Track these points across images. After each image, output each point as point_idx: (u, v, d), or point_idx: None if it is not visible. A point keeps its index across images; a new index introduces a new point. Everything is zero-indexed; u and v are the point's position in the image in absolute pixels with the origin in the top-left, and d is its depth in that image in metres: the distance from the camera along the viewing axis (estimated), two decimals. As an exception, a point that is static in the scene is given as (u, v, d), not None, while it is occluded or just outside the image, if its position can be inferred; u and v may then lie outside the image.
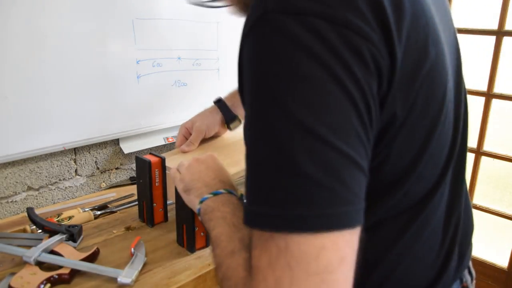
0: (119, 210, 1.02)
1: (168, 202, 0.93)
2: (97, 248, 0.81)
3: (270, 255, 0.36)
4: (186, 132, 1.01)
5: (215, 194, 0.61)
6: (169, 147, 1.34)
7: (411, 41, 0.41)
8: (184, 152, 0.98)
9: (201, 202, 0.61)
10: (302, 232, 0.35)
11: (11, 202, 1.02)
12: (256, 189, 0.38)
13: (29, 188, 1.05)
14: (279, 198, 0.36)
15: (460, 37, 0.58)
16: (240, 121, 1.03)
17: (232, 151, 0.97)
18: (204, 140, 1.03)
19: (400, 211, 0.48)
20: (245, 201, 0.40)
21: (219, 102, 1.01)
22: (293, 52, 0.36)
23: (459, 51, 0.57)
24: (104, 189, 1.19)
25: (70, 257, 0.77)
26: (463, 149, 0.56)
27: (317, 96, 0.36)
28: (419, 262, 0.52)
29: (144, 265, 0.77)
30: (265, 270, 0.36)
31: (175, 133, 1.32)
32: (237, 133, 1.15)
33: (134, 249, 0.80)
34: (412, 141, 0.45)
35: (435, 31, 0.45)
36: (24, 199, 1.04)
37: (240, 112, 1.02)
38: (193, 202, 0.65)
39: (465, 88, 0.57)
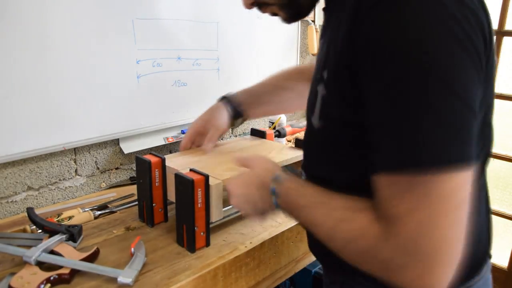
0: (119, 210, 1.02)
1: (168, 202, 0.93)
2: (97, 248, 0.81)
3: (409, 201, 0.44)
4: (196, 132, 1.01)
5: (273, 193, 0.62)
6: (169, 147, 1.34)
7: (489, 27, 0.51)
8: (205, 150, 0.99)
9: (276, 206, 0.62)
10: (442, 168, 0.43)
11: (11, 202, 1.02)
12: (404, 140, 0.45)
13: (29, 188, 1.05)
14: (424, 143, 0.43)
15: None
16: (243, 119, 1.02)
17: (232, 158, 0.97)
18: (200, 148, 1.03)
19: None
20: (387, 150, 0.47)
21: (225, 99, 1.01)
22: (442, 27, 0.44)
23: None
24: (104, 189, 1.19)
25: (70, 257, 0.77)
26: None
27: (459, 70, 0.44)
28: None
29: (144, 265, 0.77)
30: (405, 217, 0.44)
31: (175, 133, 1.32)
32: (234, 144, 1.14)
33: (134, 249, 0.80)
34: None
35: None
36: (24, 199, 1.04)
37: (250, 111, 1.01)
38: (268, 209, 0.65)
39: None
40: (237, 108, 1.00)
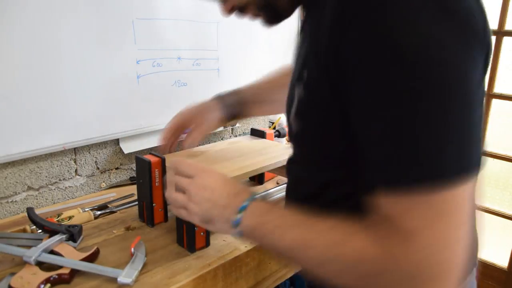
0: (119, 210, 1.02)
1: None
2: (97, 248, 0.81)
3: (424, 214, 0.42)
4: (180, 124, 0.95)
5: (242, 209, 0.56)
6: (169, 147, 1.34)
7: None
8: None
9: (236, 225, 0.56)
10: (448, 182, 0.41)
11: (11, 202, 1.02)
12: (406, 154, 0.42)
13: (29, 188, 1.05)
14: (427, 156, 0.41)
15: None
16: (238, 118, 0.97)
17: (232, 158, 0.96)
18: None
19: None
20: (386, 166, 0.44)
21: (219, 99, 0.95)
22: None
23: None
24: (104, 189, 1.19)
25: (70, 257, 0.77)
26: None
27: (461, 72, 0.42)
28: None
29: (144, 265, 0.77)
30: (421, 230, 0.42)
31: (175, 133, 1.32)
32: (238, 144, 1.13)
33: (134, 249, 0.80)
34: None
35: None
36: (24, 199, 1.04)
37: (251, 110, 0.95)
38: (224, 229, 0.59)
39: None
40: (232, 109, 0.94)
